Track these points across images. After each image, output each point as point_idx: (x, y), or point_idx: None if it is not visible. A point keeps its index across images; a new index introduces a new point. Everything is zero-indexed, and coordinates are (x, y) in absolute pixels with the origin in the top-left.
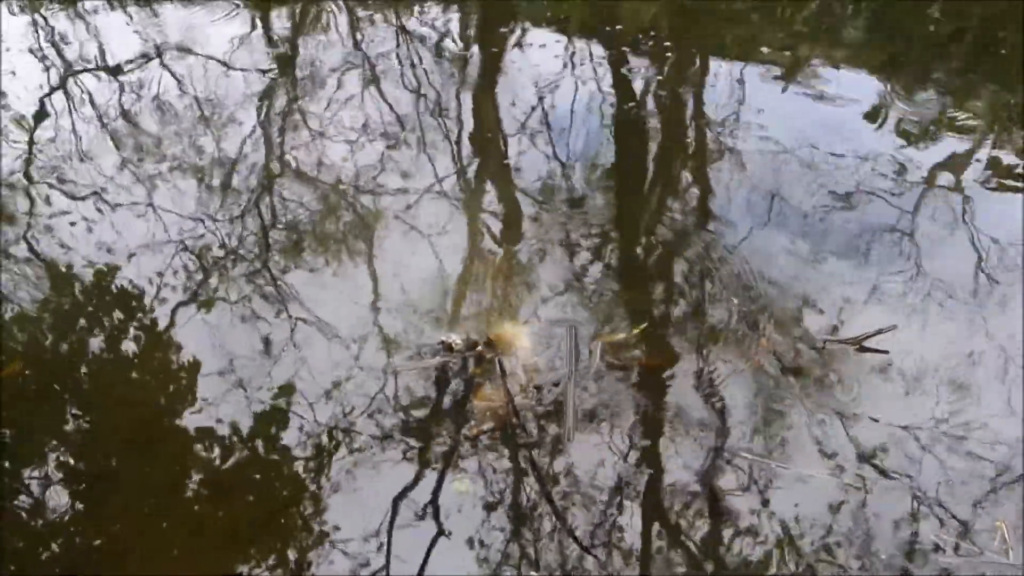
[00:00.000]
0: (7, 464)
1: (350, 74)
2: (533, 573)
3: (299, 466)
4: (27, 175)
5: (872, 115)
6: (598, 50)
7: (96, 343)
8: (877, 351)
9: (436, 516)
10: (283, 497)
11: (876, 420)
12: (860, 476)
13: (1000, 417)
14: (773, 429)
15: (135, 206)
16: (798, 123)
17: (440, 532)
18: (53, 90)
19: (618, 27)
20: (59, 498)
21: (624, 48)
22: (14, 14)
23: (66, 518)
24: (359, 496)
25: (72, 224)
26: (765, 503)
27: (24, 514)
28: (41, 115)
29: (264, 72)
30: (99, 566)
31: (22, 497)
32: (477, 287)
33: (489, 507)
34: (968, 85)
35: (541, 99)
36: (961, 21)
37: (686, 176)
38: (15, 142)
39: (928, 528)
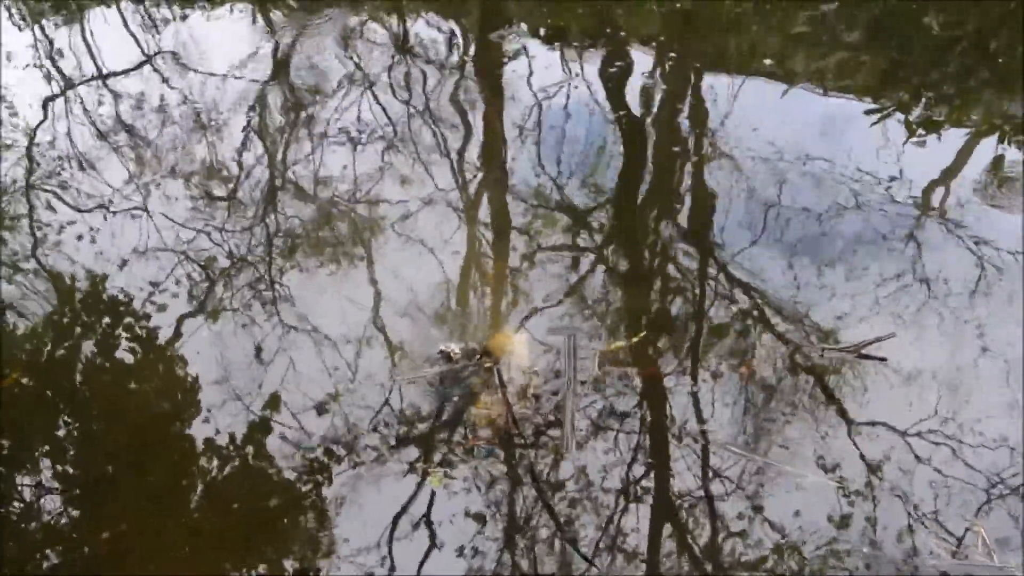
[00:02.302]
0: (8, 469)
1: (349, 83)
2: None
3: (296, 473)
4: (28, 185)
5: (870, 122)
6: (597, 58)
7: (93, 351)
8: (875, 359)
9: (430, 526)
10: (282, 505)
11: (873, 426)
12: (857, 482)
13: (997, 424)
14: (770, 436)
15: (133, 215)
16: (796, 130)
17: (433, 544)
18: (53, 98)
19: (618, 34)
20: (57, 502)
21: (624, 56)
22: (17, 26)
23: (64, 521)
24: (358, 505)
25: (75, 235)
26: (760, 508)
27: (23, 518)
28: (43, 125)
29: (263, 82)
30: (98, 568)
31: (21, 501)
32: (476, 297)
33: (487, 516)
34: (966, 91)
35: (540, 107)
36: (959, 28)
37: (685, 185)
38: (16, 151)
39: (924, 533)
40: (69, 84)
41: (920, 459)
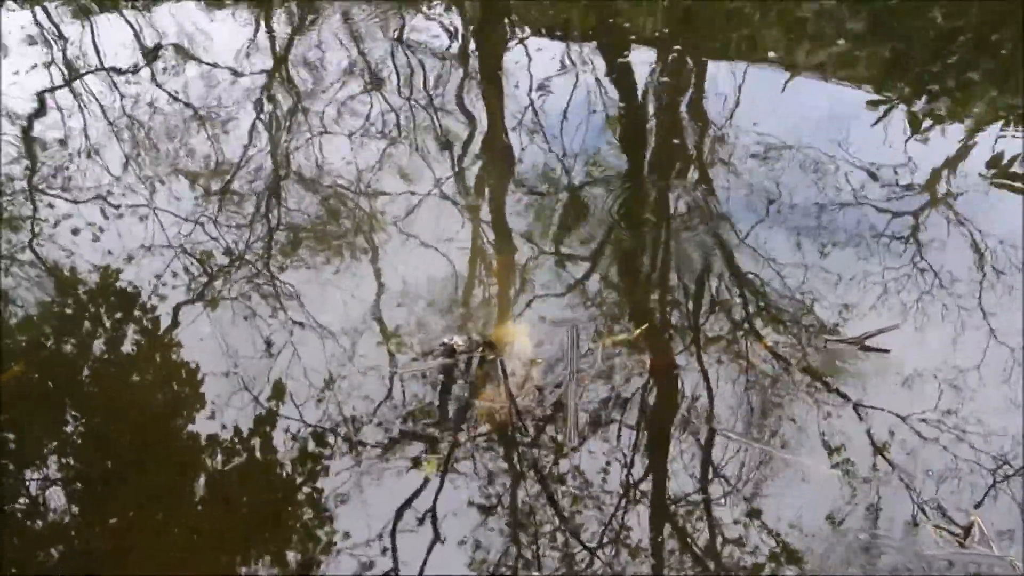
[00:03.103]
0: (9, 466)
1: (350, 76)
2: (535, 574)
3: (300, 468)
4: (29, 178)
5: (872, 115)
6: (599, 52)
7: (97, 346)
8: (879, 350)
9: (435, 519)
10: (284, 499)
11: (876, 415)
12: (859, 470)
13: (999, 414)
14: (773, 426)
15: (136, 209)
16: (798, 122)
17: (437, 538)
18: (53, 90)
19: (619, 28)
20: (60, 499)
21: (625, 50)
22: (12, 10)
23: (67, 519)
24: (361, 499)
25: (74, 231)
26: (762, 501)
27: (25, 515)
28: (43, 118)
29: (264, 74)
30: (100, 566)
31: (23, 499)
32: (478, 289)
33: (489, 509)
34: (968, 84)
35: (541, 100)
36: (961, 21)
37: (687, 176)
38: (15, 145)
39: (924, 521)
40: (70, 77)
41: (921, 449)
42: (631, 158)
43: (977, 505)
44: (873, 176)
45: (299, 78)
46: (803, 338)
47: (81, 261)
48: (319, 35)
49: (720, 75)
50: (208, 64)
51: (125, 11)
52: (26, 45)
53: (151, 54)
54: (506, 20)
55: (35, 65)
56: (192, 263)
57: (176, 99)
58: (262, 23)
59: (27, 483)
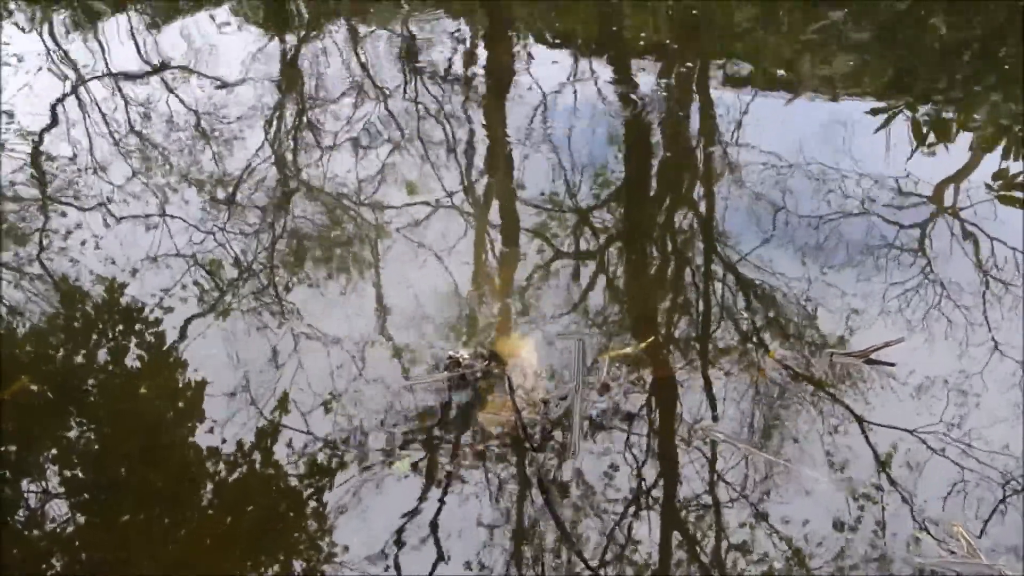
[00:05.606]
0: (12, 475)
1: (356, 88)
2: None
3: (304, 479)
4: (38, 190)
5: (877, 128)
6: (604, 63)
7: (103, 357)
8: (884, 363)
9: (437, 533)
10: (288, 509)
11: (881, 428)
12: (864, 484)
13: (1002, 427)
14: (777, 439)
15: (142, 220)
16: (803, 135)
17: (440, 557)
18: (61, 101)
19: (624, 41)
20: (62, 508)
21: (630, 62)
22: (25, 31)
23: (70, 528)
24: (363, 510)
25: (81, 242)
26: (766, 510)
27: (28, 524)
28: (52, 129)
29: (270, 87)
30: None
31: (27, 507)
32: (484, 302)
33: (493, 524)
34: (972, 96)
35: (546, 112)
36: (965, 33)
37: (692, 189)
38: (22, 156)
39: (912, 529)
40: (76, 90)
41: (922, 461)
42: (636, 170)
43: (986, 521)
44: (878, 188)
45: (308, 90)
46: (809, 351)
47: (90, 273)
48: (326, 48)
49: (725, 86)
50: (217, 78)
51: (134, 21)
52: (34, 57)
53: (159, 69)
54: (512, 31)
55: (40, 72)
56: (201, 275)
57: (191, 109)
58: (270, 35)
59: (31, 492)
